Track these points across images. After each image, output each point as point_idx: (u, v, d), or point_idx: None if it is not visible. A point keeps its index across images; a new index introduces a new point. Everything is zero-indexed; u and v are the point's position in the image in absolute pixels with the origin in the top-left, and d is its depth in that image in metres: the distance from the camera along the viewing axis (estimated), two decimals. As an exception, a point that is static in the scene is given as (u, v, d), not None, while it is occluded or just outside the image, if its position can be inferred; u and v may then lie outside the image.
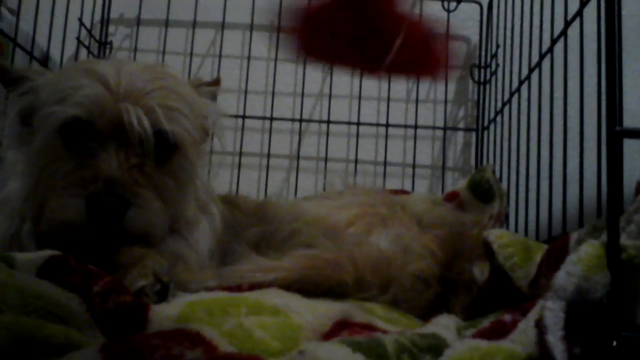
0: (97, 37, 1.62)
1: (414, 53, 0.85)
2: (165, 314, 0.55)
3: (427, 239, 0.88)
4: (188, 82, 0.95)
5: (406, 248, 0.85)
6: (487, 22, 1.56)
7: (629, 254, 0.49)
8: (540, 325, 0.43)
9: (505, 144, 1.29)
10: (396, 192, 1.32)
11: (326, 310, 0.63)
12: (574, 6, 0.92)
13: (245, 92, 1.57)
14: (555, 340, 0.41)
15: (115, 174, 0.76)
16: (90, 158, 0.78)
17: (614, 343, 0.44)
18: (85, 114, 0.78)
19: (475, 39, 1.61)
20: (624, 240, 0.50)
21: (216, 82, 1.01)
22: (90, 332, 0.50)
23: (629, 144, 0.66)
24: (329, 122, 1.56)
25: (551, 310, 0.43)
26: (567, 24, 0.96)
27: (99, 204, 0.74)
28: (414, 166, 1.54)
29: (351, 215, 0.92)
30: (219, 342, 0.51)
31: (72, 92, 0.79)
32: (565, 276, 0.45)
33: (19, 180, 0.86)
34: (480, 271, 0.85)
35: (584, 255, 0.47)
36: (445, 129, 1.57)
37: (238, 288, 0.68)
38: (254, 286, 0.69)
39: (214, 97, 1.00)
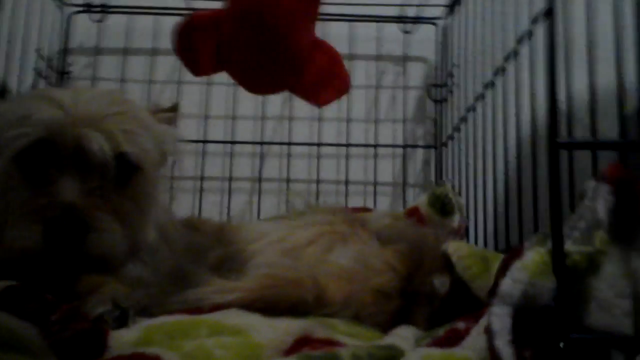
0: (56, 67, 1.61)
1: (322, 75, 0.88)
2: (124, 339, 0.55)
3: (388, 254, 0.89)
4: (146, 108, 0.95)
5: (366, 264, 0.86)
6: (442, 42, 1.60)
7: (573, 259, 0.51)
8: (488, 331, 0.44)
9: (463, 160, 1.31)
10: (358, 209, 1.34)
11: (286, 328, 0.63)
12: (525, 25, 0.95)
13: (206, 117, 1.58)
14: (502, 344, 0.43)
15: (74, 199, 0.75)
16: (48, 185, 0.76)
17: (562, 345, 0.46)
18: (43, 136, 0.77)
19: (432, 59, 1.65)
20: (569, 246, 0.52)
21: (174, 108, 1.01)
22: (47, 360, 0.50)
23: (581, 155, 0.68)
24: (290, 144, 1.57)
25: (498, 315, 0.44)
26: (518, 42, 0.99)
27: (58, 229, 0.73)
28: (375, 184, 1.56)
29: (311, 234, 0.93)
30: (179, 364, 0.51)
31: (29, 117, 0.78)
32: (511, 282, 0.46)
33: None
34: (440, 283, 0.86)
35: (529, 262, 0.49)
36: (404, 146, 1.60)
37: (198, 310, 0.68)
38: (214, 308, 0.69)
39: (172, 123, 0.99)
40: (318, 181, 1.55)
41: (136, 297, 0.73)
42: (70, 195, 0.75)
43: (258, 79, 0.91)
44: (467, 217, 1.23)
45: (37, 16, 1.46)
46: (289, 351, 0.59)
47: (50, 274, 0.74)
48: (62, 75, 1.62)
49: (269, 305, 0.73)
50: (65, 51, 1.63)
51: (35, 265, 0.75)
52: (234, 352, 0.55)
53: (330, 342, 0.64)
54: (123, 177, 0.82)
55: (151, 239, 0.88)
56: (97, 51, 1.64)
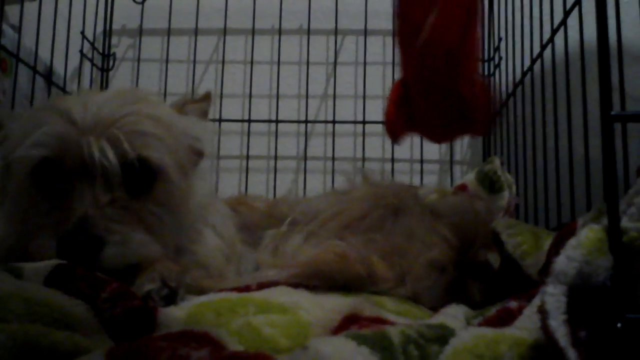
0: (100, 49, 1.63)
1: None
2: (174, 316, 0.56)
3: (440, 227, 0.88)
4: (172, 103, 0.92)
5: (418, 238, 0.85)
6: (488, 16, 1.56)
7: (630, 236, 0.49)
8: (542, 311, 0.43)
9: (512, 135, 1.29)
10: (404, 187, 1.32)
11: (335, 306, 0.63)
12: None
13: (250, 96, 1.58)
14: (557, 324, 0.41)
15: (87, 212, 0.72)
16: (62, 199, 0.74)
17: (619, 325, 0.44)
18: (51, 153, 0.75)
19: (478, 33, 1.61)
20: (625, 223, 0.50)
21: (205, 97, 0.97)
22: (98, 338, 0.51)
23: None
24: (334, 122, 1.56)
25: (552, 295, 0.43)
26: (567, 13, 0.96)
27: (70, 244, 0.70)
28: (422, 161, 1.54)
29: (364, 208, 0.92)
30: (228, 342, 0.51)
31: (37, 132, 0.76)
32: (566, 260, 0.45)
33: None
34: (495, 259, 0.85)
35: (584, 240, 0.47)
36: (451, 123, 1.57)
37: (246, 288, 0.68)
38: (262, 286, 0.70)
39: (204, 114, 0.95)
40: (364, 159, 1.54)
41: (195, 277, 0.74)
42: (83, 208, 0.73)
43: (445, 131, 0.92)
44: (517, 194, 1.21)
45: (80, -1, 1.48)
46: (337, 329, 0.59)
47: None
48: (107, 57, 1.64)
49: (323, 281, 0.72)
50: (108, 33, 1.65)
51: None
52: (282, 329, 0.56)
53: (379, 320, 0.64)
54: (144, 184, 0.79)
55: (192, 234, 0.86)
56: (140, 32, 1.65)
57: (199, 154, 0.90)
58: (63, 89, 1.44)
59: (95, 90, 1.07)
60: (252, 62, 1.60)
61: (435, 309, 0.76)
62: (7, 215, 0.81)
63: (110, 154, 0.75)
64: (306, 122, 1.58)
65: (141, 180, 0.78)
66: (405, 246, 0.84)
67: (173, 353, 0.42)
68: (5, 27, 1.18)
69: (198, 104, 0.95)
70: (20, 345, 0.42)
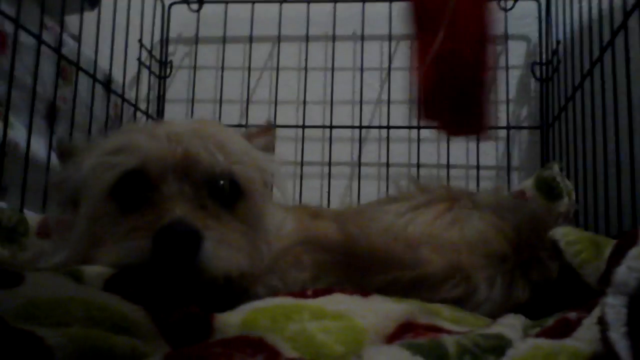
0: (158, 57, 1.67)
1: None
2: (230, 321, 0.56)
3: (499, 222, 0.87)
4: (242, 134, 0.90)
5: (478, 230, 0.84)
6: (545, 18, 1.53)
7: (695, 245, 0.47)
8: (602, 322, 0.42)
9: (571, 140, 1.26)
10: (459, 194, 1.31)
11: (389, 313, 0.63)
12: (632, -3, 0.90)
13: (304, 102, 1.59)
14: (618, 337, 0.40)
15: (182, 212, 0.67)
16: (150, 208, 0.70)
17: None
18: (135, 164, 0.72)
19: (534, 36, 1.59)
20: (691, 231, 0.48)
21: (268, 129, 0.94)
22: (156, 343, 0.51)
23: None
24: (388, 127, 1.56)
25: (612, 306, 0.42)
26: (627, 15, 0.93)
27: (169, 237, 0.64)
28: (478, 167, 1.52)
29: (433, 216, 0.91)
30: (282, 348, 0.51)
31: (121, 149, 0.74)
32: (627, 271, 0.44)
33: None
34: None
35: (648, 249, 0.46)
36: (508, 128, 1.55)
37: (301, 294, 0.69)
38: (318, 292, 0.70)
39: (269, 148, 0.92)
40: (418, 165, 1.53)
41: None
42: (180, 210, 0.68)
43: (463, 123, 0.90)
44: (576, 200, 1.18)
45: (138, 8, 1.54)
46: (392, 337, 0.59)
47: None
48: (164, 65, 1.68)
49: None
50: (165, 41, 1.69)
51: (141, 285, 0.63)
52: (337, 336, 0.55)
53: (434, 329, 0.63)
54: (231, 199, 0.76)
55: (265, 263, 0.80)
56: (196, 40, 1.68)
57: (267, 185, 0.87)
58: (122, 97, 1.48)
59: (174, 120, 1.05)
60: (306, 69, 1.61)
61: (492, 313, 0.75)
62: (79, 238, 0.75)
63: (220, 160, 0.73)
64: (360, 127, 1.59)
65: (227, 195, 0.76)
66: (458, 244, 0.83)
67: (229, 359, 0.42)
68: (65, 36, 1.22)
69: (263, 137, 0.92)
70: (81, 349, 0.43)
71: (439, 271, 0.77)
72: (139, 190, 0.71)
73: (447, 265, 0.78)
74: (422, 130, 1.54)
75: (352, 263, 0.76)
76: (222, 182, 0.74)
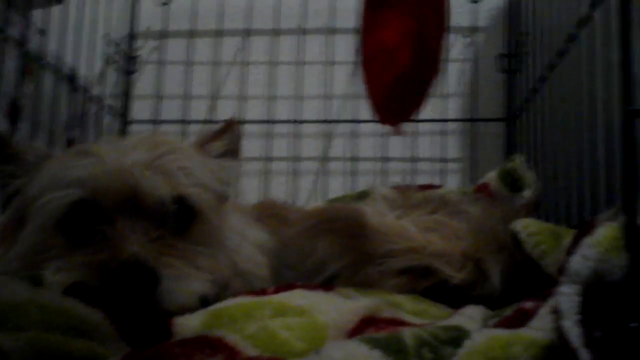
0: (124, 52, 1.65)
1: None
2: (190, 323, 0.56)
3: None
4: (198, 140, 0.87)
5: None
6: (512, 10, 1.54)
7: (647, 234, 0.48)
8: (556, 311, 0.42)
9: (538, 132, 1.27)
10: (425, 187, 1.32)
11: (352, 308, 0.63)
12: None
13: (271, 97, 1.59)
14: (570, 324, 0.41)
15: (136, 249, 0.65)
16: (99, 240, 0.67)
17: (633, 325, 0.44)
18: (86, 194, 0.70)
19: (500, 28, 1.60)
20: (643, 220, 0.49)
21: (230, 126, 0.89)
22: (115, 345, 0.51)
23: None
24: (356, 121, 1.56)
25: (566, 294, 0.42)
26: (592, 7, 0.94)
27: (122, 280, 0.62)
28: (443, 160, 1.54)
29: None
30: (242, 346, 0.51)
31: (67, 175, 0.71)
32: (580, 260, 0.44)
33: None
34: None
35: (600, 238, 0.46)
36: (473, 120, 1.56)
37: (263, 292, 0.69)
38: (279, 289, 0.70)
39: (230, 152, 0.88)
40: (385, 159, 1.53)
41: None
42: (131, 245, 0.65)
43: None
44: (539, 191, 1.19)
45: (103, 2, 1.50)
46: (354, 332, 0.59)
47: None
48: (130, 60, 1.66)
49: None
50: (132, 36, 1.67)
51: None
52: (299, 332, 0.55)
53: (396, 322, 0.64)
54: (183, 223, 0.74)
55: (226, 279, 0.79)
56: (163, 34, 1.67)
57: (226, 192, 0.86)
58: (87, 93, 1.45)
59: (114, 137, 1.02)
60: (274, 63, 1.61)
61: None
62: (21, 260, 0.72)
63: (165, 188, 0.71)
64: (327, 121, 1.59)
65: (181, 221, 0.73)
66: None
67: (188, 359, 0.42)
68: (30, 32, 1.20)
69: (223, 138, 0.89)
70: (37, 353, 0.42)
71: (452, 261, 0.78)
72: (88, 223, 0.68)
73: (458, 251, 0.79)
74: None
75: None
76: (173, 208, 0.72)
